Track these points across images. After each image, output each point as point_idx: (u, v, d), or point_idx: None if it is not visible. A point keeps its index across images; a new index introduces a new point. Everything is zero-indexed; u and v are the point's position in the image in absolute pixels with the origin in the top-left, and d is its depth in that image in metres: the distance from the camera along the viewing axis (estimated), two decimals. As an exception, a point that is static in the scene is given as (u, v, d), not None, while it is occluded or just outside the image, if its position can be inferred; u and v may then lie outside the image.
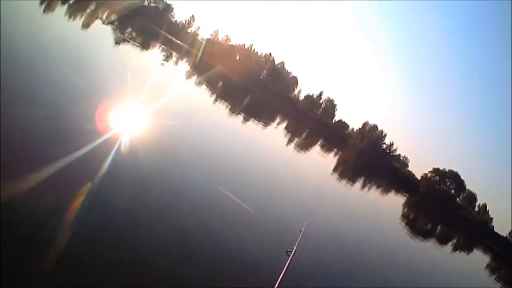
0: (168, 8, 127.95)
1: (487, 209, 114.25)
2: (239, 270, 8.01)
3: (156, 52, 45.72)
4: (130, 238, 6.53)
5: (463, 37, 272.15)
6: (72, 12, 29.77)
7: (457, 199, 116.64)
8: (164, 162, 11.63)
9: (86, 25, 26.59)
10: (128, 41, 34.65)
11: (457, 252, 42.79)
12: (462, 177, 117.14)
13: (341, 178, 37.42)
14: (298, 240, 7.91)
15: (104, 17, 36.60)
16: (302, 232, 8.78)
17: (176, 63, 51.48)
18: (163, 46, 52.69)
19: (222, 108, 34.02)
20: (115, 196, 7.74)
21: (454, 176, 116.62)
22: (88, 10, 32.84)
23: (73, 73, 15.10)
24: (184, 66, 55.26)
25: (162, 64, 38.69)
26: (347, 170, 51.27)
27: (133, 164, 9.81)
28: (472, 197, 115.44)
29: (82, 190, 6.93)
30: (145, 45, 39.76)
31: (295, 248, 7.11)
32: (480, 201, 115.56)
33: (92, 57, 21.41)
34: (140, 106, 15.93)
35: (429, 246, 30.88)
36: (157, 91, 20.55)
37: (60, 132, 9.37)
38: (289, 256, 6.52)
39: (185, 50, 71.36)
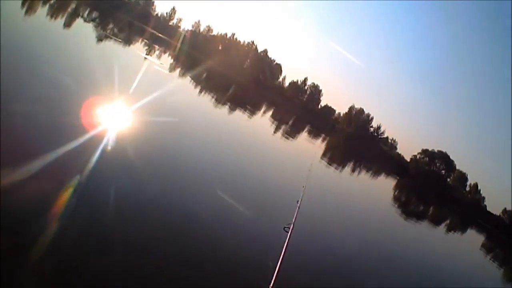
0: (149, 2, 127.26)
1: (479, 188, 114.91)
2: (238, 253, 8.27)
3: (138, 46, 45.78)
4: (120, 237, 6.51)
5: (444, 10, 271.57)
6: (54, 12, 29.69)
7: (448, 179, 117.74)
8: (151, 155, 11.71)
9: (68, 24, 26.60)
10: (111, 37, 34.57)
11: (451, 233, 43.28)
12: (451, 157, 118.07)
13: (330, 164, 37.78)
14: (296, 214, 7.89)
15: (85, 15, 36.50)
16: (299, 203, 8.80)
17: (159, 56, 51.36)
18: (146, 41, 52.65)
19: (207, 99, 34.16)
20: (103, 194, 7.70)
21: (443, 157, 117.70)
22: (69, 9, 32.79)
23: (56, 71, 15.16)
24: (167, 59, 55.07)
25: (145, 58, 38.73)
26: (336, 155, 51.53)
27: (119, 161, 9.82)
28: (462, 177, 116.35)
29: (66, 191, 6.87)
30: (127, 41, 39.81)
31: (293, 223, 7.16)
32: (471, 181, 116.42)
33: (75, 54, 21.45)
34: (125, 102, 15.98)
35: (422, 228, 31.11)
36: (141, 86, 20.59)
37: (45, 129, 9.44)
38: (288, 232, 6.59)
39: (168, 43, 71.30)
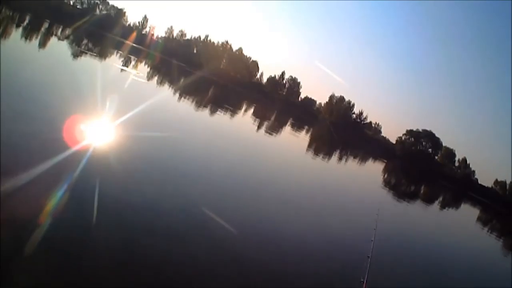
0: (120, 13, 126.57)
1: (468, 162, 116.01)
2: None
3: (114, 58, 45.78)
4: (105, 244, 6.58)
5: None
6: (28, 34, 29.86)
7: (436, 157, 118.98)
8: (137, 168, 11.53)
9: (42, 44, 26.79)
10: (86, 53, 34.81)
11: (445, 209, 43.86)
12: (437, 135, 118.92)
13: (317, 154, 38.24)
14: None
15: (59, 33, 36.61)
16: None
17: (136, 66, 51.44)
18: (120, 52, 52.72)
19: (187, 104, 34.38)
20: (87, 210, 7.60)
21: (428, 135, 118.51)
22: (42, 29, 32.90)
23: (35, 91, 15.26)
24: (143, 68, 55.15)
25: (122, 70, 38.85)
26: (321, 145, 51.88)
27: (103, 175, 9.63)
28: (450, 153, 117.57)
29: (48, 206, 6.91)
30: (102, 54, 39.94)
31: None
32: (459, 156, 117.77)
33: (52, 73, 21.51)
34: (104, 115, 15.90)
35: (416, 207, 31.41)
36: (120, 97, 20.76)
37: (25, 146, 9.58)
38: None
39: (143, 52, 71.49)
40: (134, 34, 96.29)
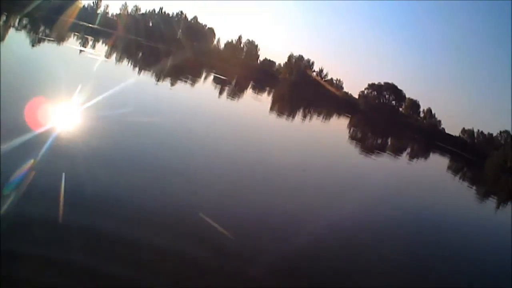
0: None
1: (433, 112, 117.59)
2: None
3: (72, 41, 46.63)
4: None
5: None
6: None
7: (400, 109, 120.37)
8: (100, 150, 11.01)
9: (1, 38, 27.53)
10: (44, 39, 35.62)
11: (414, 160, 44.12)
12: (399, 87, 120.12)
13: (280, 115, 39.01)
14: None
15: (16, 24, 37.19)
16: None
17: (94, 46, 52.02)
18: (77, 34, 53.26)
19: (147, 77, 34.95)
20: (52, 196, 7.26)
21: (391, 88, 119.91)
22: (1, 22, 33.51)
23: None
24: (101, 47, 55.74)
25: (80, 51, 39.88)
26: (284, 106, 51.89)
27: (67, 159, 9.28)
28: (414, 104, 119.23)
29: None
30: (60, 38, 40.54)
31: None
32: (424, 107, 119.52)
33: (14, 64, 20.28)
34: (69, 100, 15.43)
35: (385, 160, 31.21)
36: (83, 79, 20.27)
37: None
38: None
39: (100, 32, 71.67)
40: (90, 15, 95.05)
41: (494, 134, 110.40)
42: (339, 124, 58.84)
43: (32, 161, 8.22)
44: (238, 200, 10.82)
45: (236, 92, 49.91)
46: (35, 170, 7.88)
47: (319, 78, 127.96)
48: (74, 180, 8.07)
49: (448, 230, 15.72)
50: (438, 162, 53.30)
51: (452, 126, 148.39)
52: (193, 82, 44.83)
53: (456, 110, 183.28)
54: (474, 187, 36.49)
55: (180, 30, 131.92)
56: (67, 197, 7.25)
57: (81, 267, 5.47)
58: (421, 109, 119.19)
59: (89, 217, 6.87)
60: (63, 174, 7.99)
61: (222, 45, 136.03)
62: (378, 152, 35.30)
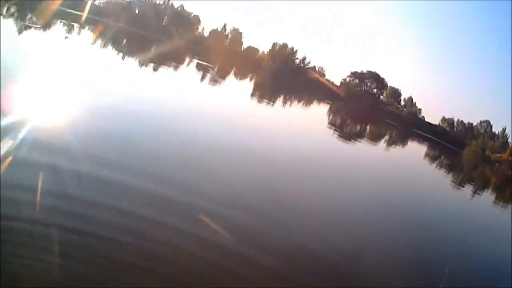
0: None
1: (414, 101, 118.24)
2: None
3: (58, 28, 47.56)
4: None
5: None
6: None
7: (381, 97, 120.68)
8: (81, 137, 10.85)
9: None
10: (30, 27, 36.67)
11: (392, 146, 45.29)
12: (381, 76, 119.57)
13: (261, 100, 40.32)
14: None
15: (4, 12, 37.88)
16: None
17: (79, 32, 53.14)
18: (63, 21, 54.07)
19: (132, 63, 36.35)
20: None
21: (373, 77, 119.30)
22: None
23: None
24: (87, 33, 56.73)
25: (66, 37, 41.02)
26: (265, 92, 52.71)
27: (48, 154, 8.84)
28: (395, 92, 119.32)
29: None
30: (46, 25, 41.33)
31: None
32: (405, 95, 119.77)
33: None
34: (56, 87, 15.47)
35: (363, 146, 32.04)
36: (68, 66, 20.87)
37: None
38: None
39: (85, 18, 72.37)
40: (75, 2, 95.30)
41: (474, 124, 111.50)
42: (319, 111, 60.05)
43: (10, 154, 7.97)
44: (217, 184, 11.05)
45: (217, 78, 50.41)
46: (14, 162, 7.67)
47: (302, 65, 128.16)
48: (58, 175, 7.89)
49: (421, 216, 16.31)
50: (415, 150, 54.61)
51: (434, 115, 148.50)
52: (176, 68, 46.17)
53: (438, 99, 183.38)
54: (451, 173, 37.90)
55: (166, 18, 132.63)
56: (57, 192, 7.19)
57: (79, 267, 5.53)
58: (402, 97, 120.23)
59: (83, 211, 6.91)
60: (42, 170, 7.77)
61: (207, 33, 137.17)
62: (356, 139, 36.11)
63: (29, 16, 42.22)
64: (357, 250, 9.87)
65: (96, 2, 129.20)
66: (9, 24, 34.11)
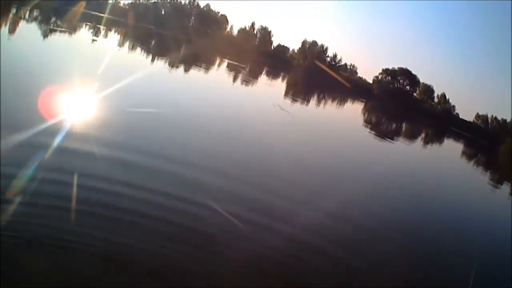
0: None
1: (447, 98, 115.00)
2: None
3: (84, 31, 46.37)
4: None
5: None
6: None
7: (414, 94, 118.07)
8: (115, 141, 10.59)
9: (12, 30, 27.22)
10: (55, 30, 35.40)
11: (429, 145, 44.72)
12: (413, 72, 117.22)
13: (294, 100, 38.90)
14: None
15: (27, 16, 36.95)
16: None
17: (106, 35, 51.92)
18: (89, 23, 53.05)
19: (161, 65, 34.98)
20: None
21: (405, 73, 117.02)
22: (10, 15, 33.19)
23: (10, 76, 13.42)
24: (114, 35, 55.56)
25: (93, 40, 39.79)
26: (298, 91, 52.16)
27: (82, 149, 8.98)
28: (428, 89, 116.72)
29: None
30: (72, 28, 40.40)
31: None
32: (438, 92, 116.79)
33: (27, 56, 19.82)
34: (85, 90, 15.14)
35: (400, 145, 31.80)
36: (99, 68, 20.24)
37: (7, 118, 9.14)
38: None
39: (111, 21, 71.38)
40: (100, 5, 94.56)
41: (508, 120, 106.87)
42: (354, 110, 59.05)
43: (45, 153, 8.07)
44: (254, 177, 11.40)
45: (249, 78, 49.48)
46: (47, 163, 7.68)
47: (333, 63, 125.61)
48: (88, 175, 7.73)
49: (459, 215, 15.92)
50: (452, 148, 53.52)
51: (466, 111, 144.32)
52: (207, 69, 44.83)
53: (470, 95, 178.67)
54: (488, 171, 36.77)
55: (193, 18, 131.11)
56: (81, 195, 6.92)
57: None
58: (435, 94, 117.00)
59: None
60: (76, 170, 7.65)
61: (235, 32, 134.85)
62: (392, 138, 35.55)
63: (53, 19, 41.18)
64: (399, 248, 9.92)
65: (121, 4, 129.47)
66: (34, 28, 33.18)
